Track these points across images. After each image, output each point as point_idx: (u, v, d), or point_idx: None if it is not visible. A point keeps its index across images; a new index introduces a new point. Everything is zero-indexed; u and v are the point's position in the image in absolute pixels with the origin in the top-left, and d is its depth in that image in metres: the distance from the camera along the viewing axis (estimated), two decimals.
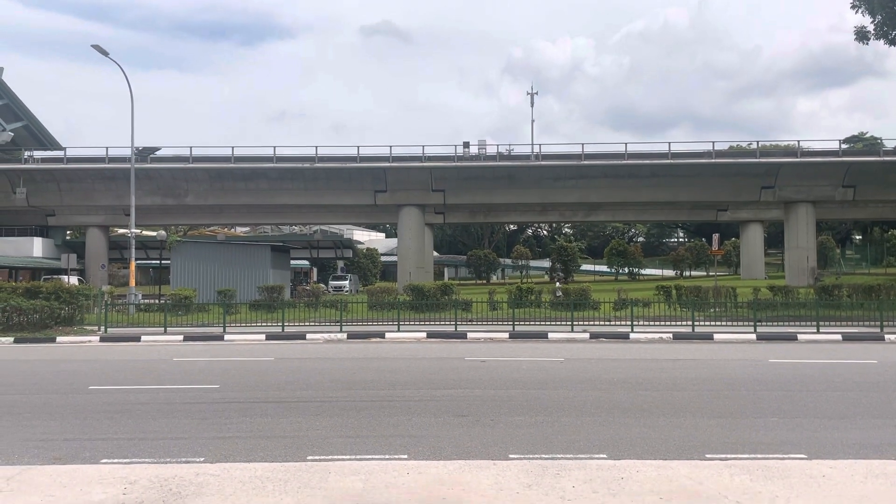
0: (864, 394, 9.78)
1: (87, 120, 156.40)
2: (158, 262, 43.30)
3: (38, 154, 44.23)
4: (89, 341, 18.78)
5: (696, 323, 20.07)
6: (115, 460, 6.46)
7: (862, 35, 29.11)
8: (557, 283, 26.42)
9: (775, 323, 21.14)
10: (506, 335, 18.96)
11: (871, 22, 28.82)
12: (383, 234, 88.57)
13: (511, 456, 6.46)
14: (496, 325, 21.70)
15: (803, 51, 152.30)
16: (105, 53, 26.37)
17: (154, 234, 41.13)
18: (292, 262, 46.64)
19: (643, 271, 64.56)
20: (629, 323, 20.07)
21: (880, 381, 10.96)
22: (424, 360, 14.13)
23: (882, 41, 28.99)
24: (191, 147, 42.11)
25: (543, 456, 6.44)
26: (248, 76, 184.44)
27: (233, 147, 41.74)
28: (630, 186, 41.70)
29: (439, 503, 5.08)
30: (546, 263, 71.54)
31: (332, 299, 27.98)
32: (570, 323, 20.35)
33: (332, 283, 52.49)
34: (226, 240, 45.81)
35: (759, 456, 6.42)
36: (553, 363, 13.30)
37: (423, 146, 41.52)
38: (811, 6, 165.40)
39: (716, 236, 31.51)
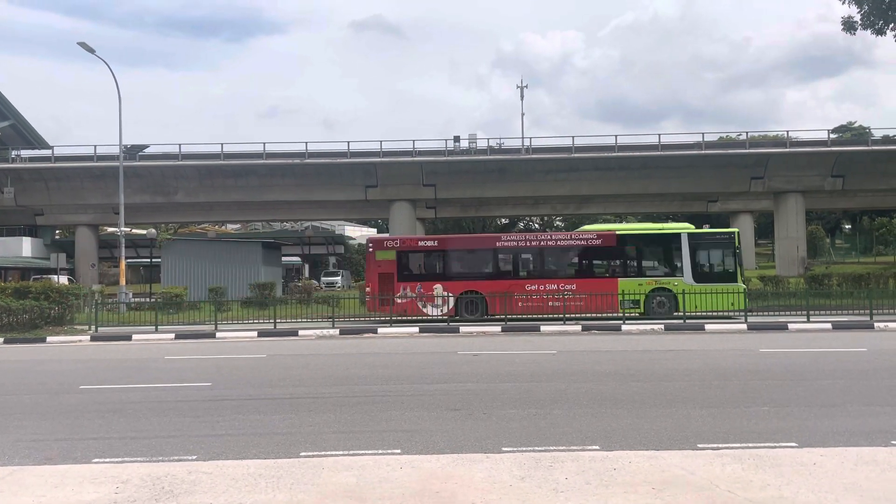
0: (854, 382, 9.85)
1: (75, 118, 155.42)
2: (149, 260, 43.10)
3: (25, 153, 43.93)
4: (80, 341, 18.68)
5: (688, 314, 20.14)
6: (107, 459, 6.42)
7: (849, 25, 29.20)
8: None
9: (766, 313, 21.29)
10: (498, 328, 18.99)
11: (858, 12, 28.93)
12: (375, 230, 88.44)
13: (504, 449, 6.47)
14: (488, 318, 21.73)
15: (792, 41, 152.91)
16: (91, 51, 26.16)
17: (144, 232, 40.93)
18: (284, 258, 46.53)
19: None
20: (620, 314, 20.14)
21: (870, 369, 11.04)
22: (417, 354, 14.13)
23: (869, 31, 29.09)
24: (180, 144, 41.98)
25: (536, 448, 6.45)
26: (237, 72, 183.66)
27: (222, 144, 41.64)
28: (621, 179, 41.78)
29: (433, 497, 5.08)
30: None
31: (324, 295, 27.97)
32: (562, 315, 20.39)
33: (324, 279, 52.43)
34: (216, 237, 45.68)
35: (750, 445, 6.46)
36: (545, 356, 13.32)
37: (414, 141, 41.52)
38: None
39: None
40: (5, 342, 18.51)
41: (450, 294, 21.12)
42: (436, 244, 22.35)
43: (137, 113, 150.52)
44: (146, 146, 42.39)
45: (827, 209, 56.14)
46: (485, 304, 21.01)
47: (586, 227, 22.79)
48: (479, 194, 43.70)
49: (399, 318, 20.83)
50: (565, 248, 21.81)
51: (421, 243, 22.78)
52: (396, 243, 22.18)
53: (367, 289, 21.72)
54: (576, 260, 21.74)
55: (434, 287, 21.18)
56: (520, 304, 20.78)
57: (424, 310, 21.11)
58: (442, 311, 21.14)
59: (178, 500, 5.14)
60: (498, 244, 22.01)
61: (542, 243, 21.92)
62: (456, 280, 21.45)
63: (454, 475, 5.58)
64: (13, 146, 44.43)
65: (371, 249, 21.96)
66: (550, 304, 20.70)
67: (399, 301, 21.02)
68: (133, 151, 40.53)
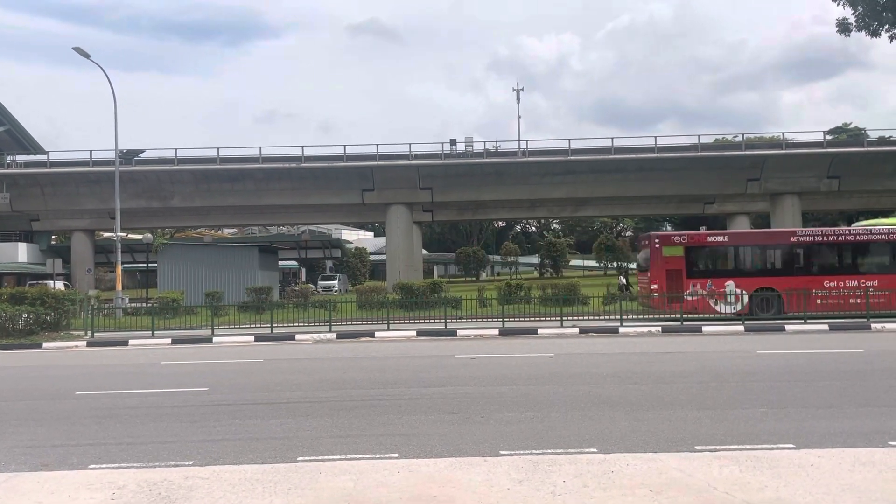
0: (851, 383, 9.86)
1: (70, 123, 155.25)
2: (145, 265, 43.07)
3: (21, 158, 43.81)
4: (76, 346, 18.61)
5: (685, 316, 20.15)
6: (104, 465, 6.40)
7: (844, 27, 29.22)
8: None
9: (763, 314, 21.28)
10: (496, 332, 18.95)
11: (853, 14, 28.95)
12: (372, 234, 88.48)
13: (502, 452, 6.46)
14: (486, 321, 21.71)
15: (787, 43, 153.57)
16: (87, 56, 26.13)
17: (140, 237, 40.77)
18: (280, 262, 46.53)
19: (632, 265, 64.86)
20: (618, 317, 20.13)
21: (866, 370, 11.06)
22: (414, 358, 14.11)
23: (864, 33, 29.13)
24: (176, 149, 41.87)
25: (534, 451, 6.44)
26: (234, 76, 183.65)
27: (218, 148, 41.53)
28: (617, 181, 41.84)
29: (430, 501, 5.07)
30: (535, 259, 71.77)
31: (321, 299, 27.94)
32: (559, 318, 20.38)
33: (321, 283, 52.46)
34: (213, 242, 45.64)
35: (747, 447, 6.46)
36: (543, 359, 13.31)
37: (410, 144, 41.57)
38: None
39: (703, 229, 31.69)
40: (1, 348, 18.42)
41: (743, 291, 20.61)
42: (726, 240, 21.92)
43: (133, 117, 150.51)
44: (142, 151, 42.33)
45: (823, 210, 56.17)
46: (780, 302, 20.42)
47: (882, 220, 22.27)
48: (475, 197, 43.72)
49: (395, 321, 20.75)
50: (865, 242, 21.12)
51: (710, 239, 22.06)
52: (684, 239, 21.75)
53: (654, 286, 21.12)
54: (877, 255, 21.06)
55: (726, 284, 20.69)
56: (818, 301, 20.15)
57: (716, 307, 20.61)
58: (735, 308, 20.60)
59: None
60: (793, 239, 21.38)
61: (840, 238, 21.25)
62: (749, 276, 20.92)
63: (452, 479, 5.56)
64: (9, 151, 44.32)
65: (658, 245, 21.33)
66: (851, 300, 20.12)
67: (689, 298, 20.54)
68: (129, 156, 40.46)
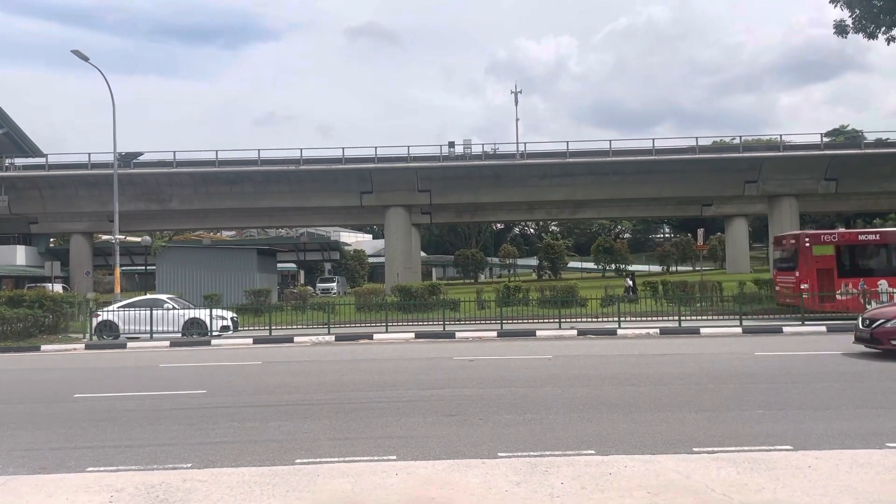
0: (849, 384, 9.87)
1: (69, 126, 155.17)
2: (144, 267, 43.05)
3: (19, 161, 43.81)
4: (74, 349, 18.61)
5: (683, 318, 20.18)
6: (102, 468, 6.39)
7: (841, 29, 29.29)
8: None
9: (761, 316, 21.33)
10: (494, 334, 18.96)
11: (850, 16, 29.03)
12: (370, 236, 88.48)
13: (500, 454, 6.46)
14: (484, 324, 21.72)
15: (785, 45, 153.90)
16: (85, 59, 26.10)
17: (139, 239, 40.79)
18: (279, 265, 46.50)
19: (630, 267, 64.95)
20: (616, 319, 20.15)
21: (864, 372, 11.07)
22: (413, 360, 14.11)
23: (861, 35, 29.21)
24: (174, 151, 41.90)
25: (532, 453, 6.45)
26: (232, 79, 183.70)
27: (217, 151, 41.57)
28: (615, 183, 41.89)
29: (428, 503, 5.08)
30: (533, 261, 71.75)
31: (319, 302, 27.92)
32: (557, 320, 20.40)
33: (320, 285, 52.48)
34: (211, 244, 45.62)
35: (745, 448, 6.47)
36: (541, 361, 13.31)
37: (409, 146, 41.61)
38: (792, 0, 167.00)
39: (701, 231, 31.74)
40: None
41: None
42: (878, 238, 21.66)
43: (132, 120, 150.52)
44: (140, 153, 42.32)
45: (821, 212, 56.32)
46: None
47: None
48: (474, 200, 43.75)
49: (394, 323, 20.76)
50: None
51: (862, 237, 21.83)
52: (835, 237, 21.58)
53: (804, 285, 20.82)
54: None
55: (878, 283, 20.57)
56: None
57: (868, 307, 20.17)
58: None
59: None
60: None
61: None
62: None
63: (450, 481, 5.56)
64: (7, 154, 44.33)
65: (808, 244, 21.09)
66: None
67: (840, 298, 20.31)
68: (127, 159, 40.46)
